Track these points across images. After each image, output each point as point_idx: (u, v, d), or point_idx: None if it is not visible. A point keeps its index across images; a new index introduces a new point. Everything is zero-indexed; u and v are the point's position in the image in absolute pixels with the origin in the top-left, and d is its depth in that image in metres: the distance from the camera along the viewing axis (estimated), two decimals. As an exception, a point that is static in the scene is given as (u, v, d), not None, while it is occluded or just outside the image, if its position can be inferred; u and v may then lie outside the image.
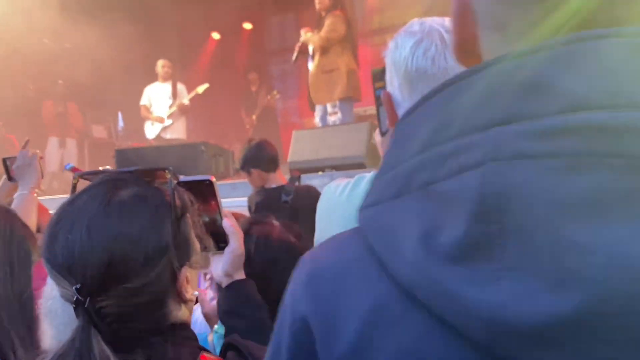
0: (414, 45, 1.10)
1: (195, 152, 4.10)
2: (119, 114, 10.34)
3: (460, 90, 0.45)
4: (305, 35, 5.99)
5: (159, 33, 9.52)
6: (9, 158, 2.42)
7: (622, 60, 0.40)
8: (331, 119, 5.83)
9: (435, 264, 0.41)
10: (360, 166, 3.98)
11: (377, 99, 1.51)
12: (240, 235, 1.30)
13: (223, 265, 1.30)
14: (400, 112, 1.14)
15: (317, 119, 6.09)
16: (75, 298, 0.90)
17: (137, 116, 8.89)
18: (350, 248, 0.52)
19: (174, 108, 7.71)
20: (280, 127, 9.48)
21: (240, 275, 1.31)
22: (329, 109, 5.87)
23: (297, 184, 3.15)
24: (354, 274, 0.50)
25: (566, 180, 0.37)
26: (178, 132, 7.82)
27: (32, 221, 1.97)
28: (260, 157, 3.19)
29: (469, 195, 0.40)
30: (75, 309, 0.91)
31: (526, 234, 0.38)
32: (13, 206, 2.11)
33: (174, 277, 1.00)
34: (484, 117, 0.42)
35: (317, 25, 6.02)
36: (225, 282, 1.31)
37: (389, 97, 1.16)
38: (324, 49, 5.82)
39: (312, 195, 3.05)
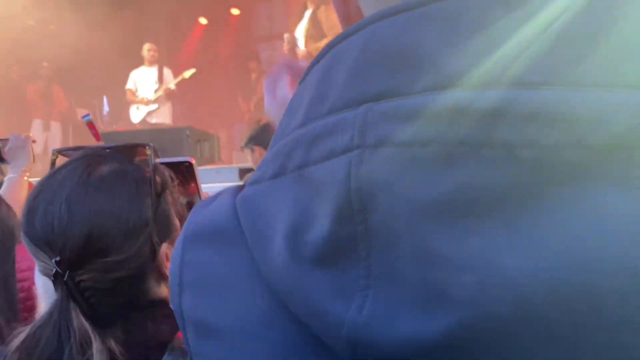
0: None
1: (180, 136, 4.08)
2: (104, 98, 10.26)
3: (340, 54, 0.38)
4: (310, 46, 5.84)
5: (145, 17, 9.44)
6: (1, 140, 2.42)
7: (512, 27, 0.33)
8: None
9: (298, 267, 0.36)
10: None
11: None
12: None
13: None
14: None
15: None
16: (54, 271, 0.90)
17: (123, 100, 8.82)
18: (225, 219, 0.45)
19: (160, 92, 7.67)
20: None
21: None
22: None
23: None
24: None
25: (433, 175, 0.31)
26: (164, 117, 7.78)
27: (21, 204, 1.96)
28: (264, 137, 3.23)
29: (336, 187, 0.34)
30: (54, 282, 0.91)
31: (390, 240, 0.32)
32: (3, 189, 2.11)
33: (154, 253, 1.00)
34: (357, 90, 0.36)
35: (301, 14, 5.96)
36: None
37: None
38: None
39: None
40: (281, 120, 0.44)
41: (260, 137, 3.19)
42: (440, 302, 0.30)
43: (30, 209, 0.95)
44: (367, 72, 0.36)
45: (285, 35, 6.23)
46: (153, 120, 7.71)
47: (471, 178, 0.30)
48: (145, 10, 9.43)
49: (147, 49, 7.81)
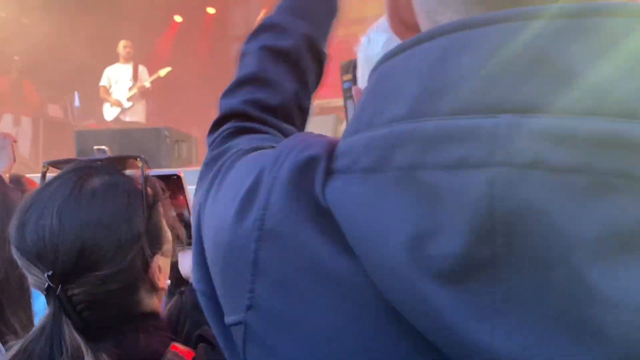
0: (387, 42, 1.11)
1: (158, 136, 4.05)
2: (75, 94, 10.11)
3: (462, 46, 0.36)
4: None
5: (119, 13, 9.32)
6: None
7: None
8: None
9: (422, 278, 0.34)
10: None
11: (345, 92, 1.51)
12: None
13: (190, 261, 1.29)
14: None
15: None
16: (46, 285, 0.89)
17: (94, 96, 8.70)
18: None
19: (135, 90, 7.58)
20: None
21: None
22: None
23: None
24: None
25: (589, 206, 0.30)
26: (137, 115, 7.69)
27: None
28: None
29: (472, 204, 0.32)
30: (46, 296, 0.90)
31: (538, 268, 0.31)
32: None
33: (146, 265, 0.99)
34: (492, 95, 0.33)
35: None
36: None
37: (360, 93, 1.16)
38: None
39: None
40: (362, 103, 0.42)
41: None
42: (597, 337, 0.29)
43: (21, 222, 0.93)
44: (503, 77, 0.34)
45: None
46: (127, 118, 7.61)
47: (628, 212, 0.29)
48: (119, 6, 9.32)
49: (122, 46, 7.70)
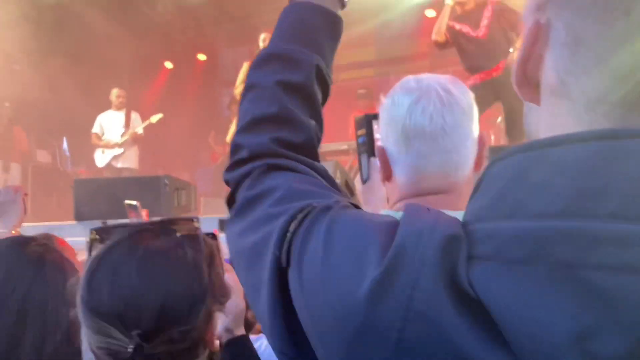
0: (412, 103, 1.13)
1: (158, 185, 4.04)
2: (64, 140, 10.08)
3: (624, 153, 0.38)
4: None
5: (110, 59, 9.38)
6: None
7: None
8: None
9: None
10: (323, 205, 3.99)
11: (359, 147, 1.54)
12: (241, 290, 1.31)
13: (224, 321, 1.30)
14: (397, 168, 1.17)
15: None
16: (133, 346, 0.89)
17: (85, 142, 8.68)
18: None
19: (127, 137, 7.58)
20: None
21: (240, 330, 1.32)
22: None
23: None
24: None
25: None
26: (130, 161, 7.67)
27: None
28: None
29: (638, 307, 0.35)
30: (130, 356, 0.89)
31: None
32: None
33: (209, 323, 1.01)
34: None
35: None
36: (224, 338, 1.31)
37: (384, 151, 1.19)
38: None
39: None
40: (497, 190, 0.44)
41: None
42: None
43: (94, 285, 0.94)
44: None
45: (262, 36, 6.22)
46: (119, 164, 7.59)
47: None
48: (110, 53, 9.39)
49: (115, 95, 7.73)
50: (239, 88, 6.03)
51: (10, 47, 8.09)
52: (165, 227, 1.05)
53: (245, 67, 6.01)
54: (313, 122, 0.81)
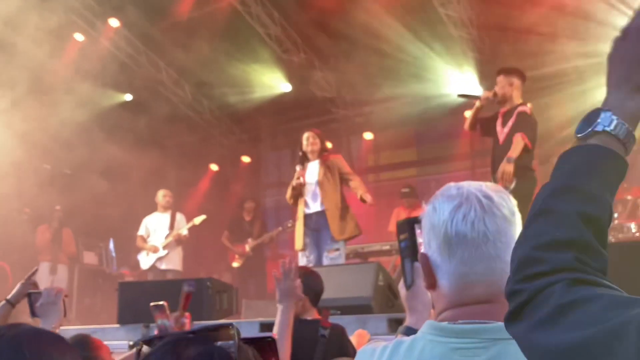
0: (453, 210, 1.15)
1: (201, 287, 4.05)
2: (111, 241, 10.30)
3: None
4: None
5: (157, 161, 9.69)
6: (33, 293, 2.44)
7: None
8: (330, 255, 5.79)
9: None
10: (366, 308, 3.93)
11: (402, 251, 1.54)
12: None
13: None
14: (441, 275, 1.17)
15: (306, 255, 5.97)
16: None
17: (127, 245, 8.85)
18: None
19: (170, 238, 7.69)
20: (268, 259, 9.39)
21: None
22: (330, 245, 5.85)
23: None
24: None
25: None
26: (173, 263, 7.75)
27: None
28: (314, 288, 3.28)
29: None
30: None
31: None
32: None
33: None
34: None
35: (301, 162, 6.09)
36: None
37: (427, 258, 1.20)
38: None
39: (343, 335, 3.22)
40: None
41: (310, 288, 3.22)
42: None
43: None
44: None
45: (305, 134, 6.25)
46: (162, 266, 7.67)
47: None
48: (157, 155, 9.70)
49: (162, 195, 7.93)
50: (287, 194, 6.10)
51: (60, 150, 8.46)
52: (201, 335, 1.06)
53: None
54: (606, 254, 0.86)
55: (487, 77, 9.02)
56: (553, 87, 8.18)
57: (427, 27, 8.46)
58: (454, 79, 9.08)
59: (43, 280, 8.63)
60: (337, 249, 5.73)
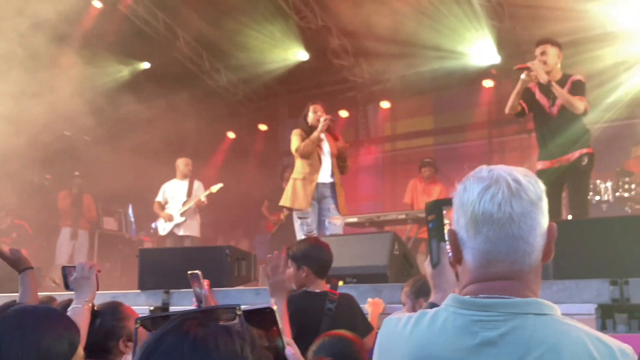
0: (481, 190, 1.19)
1: (220, 255, 4.11)
2: (130, 206, 10.44)
3: None
4: None
5: (175, 129, 9.73)
6: (67, 267, 2.48)
7: None
8: (333, 222, 5.70)
9: None
10: (382, 277, 3.97)
11: (430, 231, 1.58)
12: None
13: None
14: (467, 251, 1.22)
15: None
16: None
17: (145, 211, 8.94)
18: None
19: (189, 205, 7.77)
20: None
21: None
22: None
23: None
24: None
25: None
26: (191, 229, 7.84)
27: (83, 334, 1.97)
28: (318, 259, 3.21)
29: None
30: None
31: None
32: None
33: None
34: None
35: (308, 132, 6.02)
36: None
37: (455, 235, 1.24)
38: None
39: (352, 305, 3.22)
40: None
41: (313, 259, 3.19)
42: None
43: None
44: None
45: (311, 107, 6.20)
46: (180, 232, 7.76)
47: None
48: (176, 123, 9.75)
49: (184, 164, 7.96)
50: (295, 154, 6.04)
51: (82, 118, 8.52)
52: (207, 317, 1.09)
53: (295, 134, 6.00)
54: None
55: (505, 45, 8.95)
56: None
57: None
58: (473, 48, 9.00)
59: (64, 246, 8.81)
60: (338, 218, 5.72)
